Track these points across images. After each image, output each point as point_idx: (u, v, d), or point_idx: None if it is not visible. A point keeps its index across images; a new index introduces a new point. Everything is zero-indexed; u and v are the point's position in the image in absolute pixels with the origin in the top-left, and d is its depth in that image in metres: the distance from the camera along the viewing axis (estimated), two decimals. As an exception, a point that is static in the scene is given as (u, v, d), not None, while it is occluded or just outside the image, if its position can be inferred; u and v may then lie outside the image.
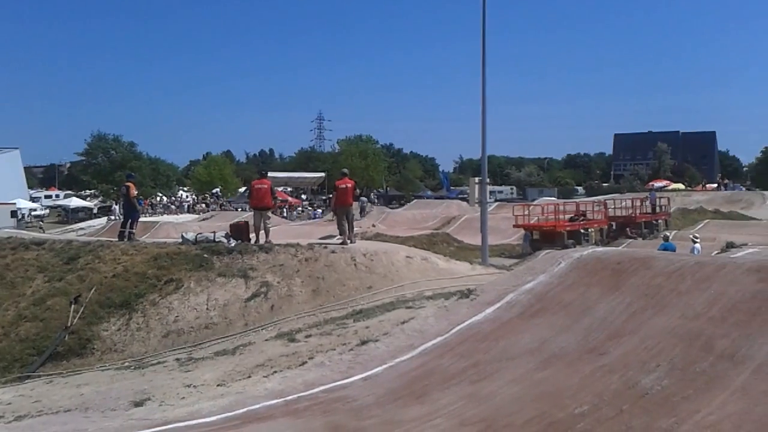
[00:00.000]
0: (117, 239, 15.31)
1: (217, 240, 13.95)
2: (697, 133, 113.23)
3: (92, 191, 62.05)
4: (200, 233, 14.96)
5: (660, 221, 31.88)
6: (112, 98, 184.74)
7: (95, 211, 54.72)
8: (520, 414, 5.60)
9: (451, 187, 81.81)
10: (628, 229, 30.29)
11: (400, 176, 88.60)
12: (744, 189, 65.85)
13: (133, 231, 15.82)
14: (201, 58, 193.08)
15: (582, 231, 27.25)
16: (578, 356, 6.70)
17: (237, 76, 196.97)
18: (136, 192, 16.34)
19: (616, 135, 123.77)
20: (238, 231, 14.58)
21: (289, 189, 65.65)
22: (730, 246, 15.94)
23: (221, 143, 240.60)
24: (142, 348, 11.02)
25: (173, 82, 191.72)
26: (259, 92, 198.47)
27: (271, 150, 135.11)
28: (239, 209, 49.56)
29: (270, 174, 63.23)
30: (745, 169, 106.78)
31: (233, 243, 13.84)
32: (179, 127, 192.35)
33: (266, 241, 14.03)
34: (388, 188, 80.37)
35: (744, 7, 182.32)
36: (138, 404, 7.59)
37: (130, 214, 16.07)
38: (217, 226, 23.11)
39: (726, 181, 76.14)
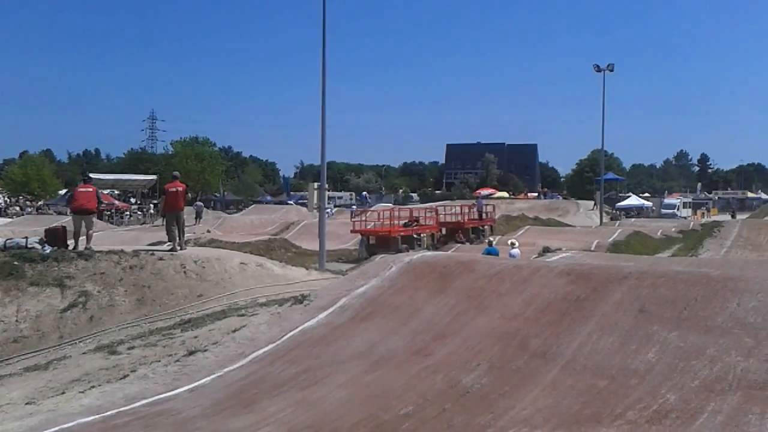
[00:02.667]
0: None
1: (29, 246, 12.82)
2: (520, 146, 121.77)
3: None
4: (10, 239, 13.70)
5: (486, 227, 33.78)
6: None
7: None
8: (348, 417, 5.62)
9: (291, 192, 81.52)
10: (458, 234, 31.82)
11: (239, 180, 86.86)
12: (561, 198, 71.67)
13: None
14: (16, 48, 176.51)
15: (415, 236, 28.27)
16: (405, 358, 6.86)
17: (58, 69, 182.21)
18: None
19: (448, 145, 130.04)
20: (54, 236, 13.47)
21: (116, 192, 61.81)
22: (546, 251, 17.12)
23: (40, 142, 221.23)
24: (-63, 367, 9.84)
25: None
26: (83, 87, 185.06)
27: (96, 150, 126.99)
28: (58, 213, 45.92)
29: (96, 176, 59.30)
30: (562, 179, 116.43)
31: (48, 249, 12.77)
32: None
33: (86, 248, 13.09)
34: (226, 192, 78.43)
35: (565, 31, 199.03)
36: (-73, 431, 6.74)
37: None
38: (31, 231, 21.20)
39: (545, 190, 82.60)
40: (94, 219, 14.21)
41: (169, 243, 14.12)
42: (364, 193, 68.26)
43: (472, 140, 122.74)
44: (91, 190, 14.26)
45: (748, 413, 4.35)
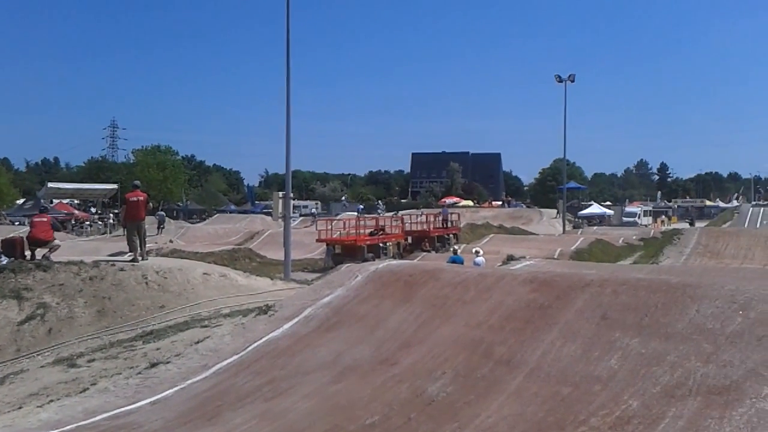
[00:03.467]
0: None
1: (-15, 257, 12.50)
2: (484, 155, 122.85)
3: None
4: (-35, 250, 13.31)
5: (451, 235, 33.98)
6: None
7: None
8: (314, 428, 5.58)
9: (256, 201, 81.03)
10: (423, 242, 31.94)
11: (202, 189, 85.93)
12: (525, 206, 72.46)
13: None
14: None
15: (381, 245, 28.32)
16: (371, 367, 6.83)
17: (15, 75, 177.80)
18: None
19: (413, 154, 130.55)
20: (11, 247, 13.15)
21: (76, 202, 60.61)
22: (510, 259, 17.32)
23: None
24: None
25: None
26: (42, 94, 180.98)
27: (56, 158, 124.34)
28: (17, 223, 44.80)
29: (55, 185, 58.08)
30: (525, 188, 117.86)
31: (5, 260, 12.47)
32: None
33: (44, 256, 12.81)
34: (189, 202, 77.51)
35: (529, 41, 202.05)
36: None
37: None
38: (-13, 242, 20.69)
39: (509, 198, 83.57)
40: (55, 242, 13.92)
41: (130, 253, 13.88)
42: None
43: (437, 149, 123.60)
44: (45, 219, 14.17)
45: (707, 418, 4.43)
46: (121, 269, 12.50)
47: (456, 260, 16.84)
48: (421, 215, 37.25)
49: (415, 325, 7.76)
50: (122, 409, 6.98)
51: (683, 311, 6.04)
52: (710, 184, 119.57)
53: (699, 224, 49.83)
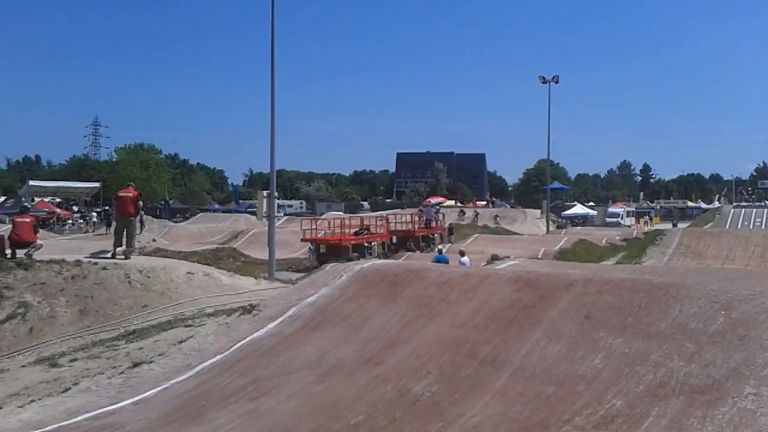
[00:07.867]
0: None
1: (-36, 256, 12.33)
2: (469, 155, 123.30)
3: None
4: (-56, 248, 13.12)
5: (436, 235, 34.03)
6: None
7: None
8: (298, 428, 5.55)
9: (240, 201, 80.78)
10: (408, 242, 31.96)
11: (185, 188, 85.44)
12: (509, 206, 72.76)
13: None
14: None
15: (366, 244, 28.31)
16: (356, 367, 6.82)
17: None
18: None
19: (398, 154, 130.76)
20: (-8, 245, 13.00)
21: (58, 200, 60.02)
22: (494, 258, 17.32)
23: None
24: None
25: None
26: (24, 91, 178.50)
27: (37, 156, 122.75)
28: (-2, 221, 44.29)
29: (37, 183, 57.47)
30: (510, 188, 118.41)
31: (-15, 259, 12.32)
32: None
33: (26, 253, 12.68)
34: (172, 201, 77.06)
35: (514, 42, 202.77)
36: None
37: None
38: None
39: (494, 199, 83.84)
40: (38, 242, 13.71)
41: (114, 251, 13.77)
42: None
43: (422, 149, 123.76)
44: (28, 220, 13.98)
45: (690, 417, 4.45)
46: (104, 268, 12.40)
47: (441, 260, 16.87)
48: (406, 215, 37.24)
49: (399, 324, 7.75)
50: (105, 409, 6.92)
51: (666, 311, 6.07)
52: (692, 185, 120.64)
53: (681, 225, 50.21)
